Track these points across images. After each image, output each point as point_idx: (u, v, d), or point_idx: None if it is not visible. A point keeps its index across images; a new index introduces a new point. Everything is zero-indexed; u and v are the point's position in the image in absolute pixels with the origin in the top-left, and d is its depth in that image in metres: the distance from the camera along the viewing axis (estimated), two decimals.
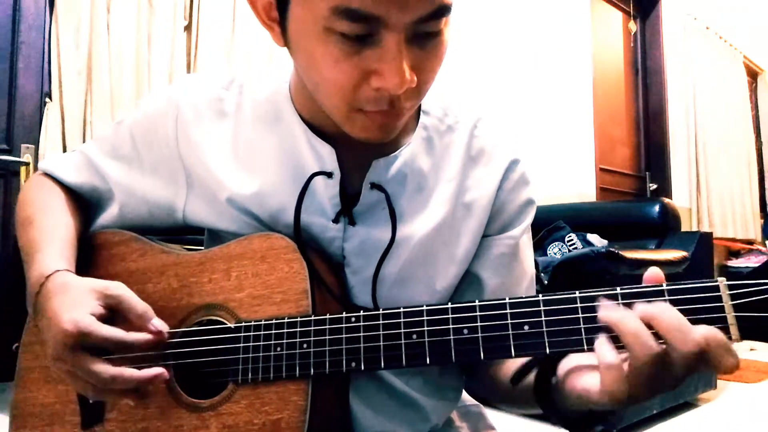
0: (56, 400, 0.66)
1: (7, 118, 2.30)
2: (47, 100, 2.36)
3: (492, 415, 0.80)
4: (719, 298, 0.46)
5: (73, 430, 0.65)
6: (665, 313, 0.45)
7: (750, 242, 5.16)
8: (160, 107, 0.70)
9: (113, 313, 0.59)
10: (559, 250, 2.77)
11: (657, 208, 2.80)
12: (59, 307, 0.56)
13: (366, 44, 0.51)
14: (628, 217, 2.92)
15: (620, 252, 2.08)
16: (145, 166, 0.71)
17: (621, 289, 0.49)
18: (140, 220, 0.73)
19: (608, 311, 0.47)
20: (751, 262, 4.71)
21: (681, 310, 0.46)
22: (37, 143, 2.34)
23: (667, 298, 0.47)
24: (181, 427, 0.60)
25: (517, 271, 0.71)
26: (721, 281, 0.46)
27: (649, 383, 0.46)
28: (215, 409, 0.59)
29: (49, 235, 0.67)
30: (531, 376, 0.57)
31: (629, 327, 0.46)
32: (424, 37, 0.52)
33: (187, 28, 2.75)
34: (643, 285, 0.49)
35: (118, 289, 0.59)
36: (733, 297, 0.46)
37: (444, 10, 0.51)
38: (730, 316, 0.45)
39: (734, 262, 4.84)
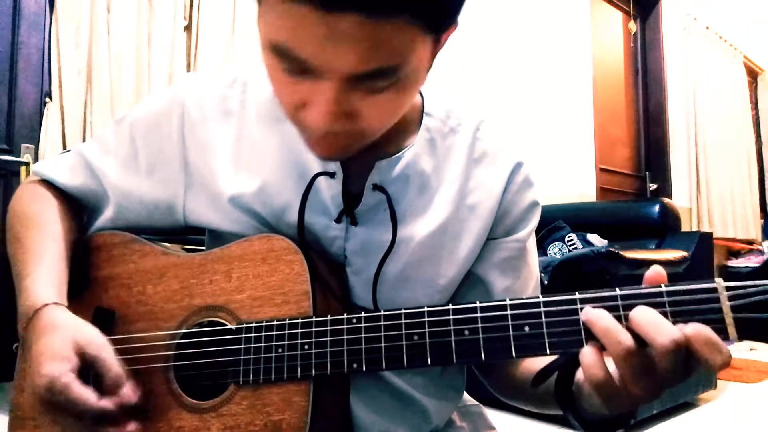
0: None
1: (7, 118, 2.31)
2: (47, 100, 2.36)
3: (492, 415, 0.81)
4: (717, 299, 0.47)
5: None
6: (638, 310, 0.47)
7: (750, 242, 5.16)
8: (164, 106, 0.70)
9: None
10: (559, 250, 2.78)
11: (657, 208, 2.81)
12: (40, 354, 0.56)
13: (304, 73, 0.49)
14: (628, 217, 2.92)
15: (620, 252, 2.08)
16: (142, 166, 0.71)
17: (620, 290, 0.49)
18: (139, 221, 0.72)
19: (586, 311, 0.49)
20: (751, 262, 4.71)
21: (679, 311, 0.47)
22: (37, 143, 2.34)
23: (665, 299, 0.48)
24: (182, 428, 0.60)
25: (524, 274, 0.72)
26: (719, 282, 0.47)
27: (638, 381, 0.47)
28: (216, 410, 0.59)
29: (37, 256, 0.65)
30: (552, 378, 0.57)
31: (601, 324, 0.48)
32: (370, 86, 0.49)
33: (187, 28, 2.75)
34: (642, 286, 0.49)
35: (97, 348, 0.57)
36: (731, 298, 0.46)
37: (386, 73, 0.48)
38: (728, 316, 0.46)
39: (734, 262, 4.84)
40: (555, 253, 2.75)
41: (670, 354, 0.45)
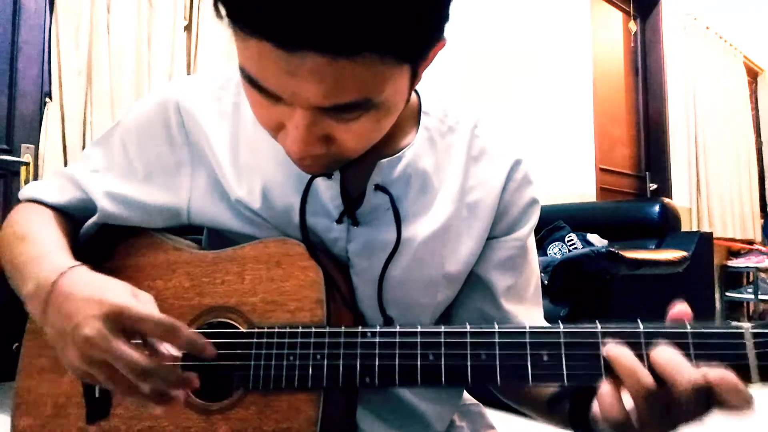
0: (61, 392, 0.65)
1: (7, 118, 2.30)
2: (47, 100, 2.36)
3: (491, 415, 0.80)
4: (743, 345, 0.46)
5: (77, 423, 0.63)
6: (660, 350, 0.46)
7: (750, 242, 5.16)
8: (155, 112, 0.68)
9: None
10: (559, 250, 2.78)
11: (657, 208, 2.81)
12: (94, 291, 0.53)
13: (277, 99, 0.48)
14: (628, 217, 2.93)
15: (620, 252, 2.08)
16: (139, 173, 0.69)
17: (644, 327, 0.48)
18: (137, 225, 0.70)
19: (609, 348, 0.48)
20: (751, 262, 4.72)
21: (703, 354, 0.46)
22: (37, 143, 2.34)
23: (690, 340, 0.47)
24: (188, 428, 0.60)
25: (526, 272, 0.71)
26: (746, 327, 0.46)
27: (655, 421, 0.47)
28: (224, 412, 0.59)
29: (51, 244, 0.63)
30: (566, 402, 0.56)
31: (623, 363, 0.47)
32: (341, 117, 0.48)
33: (187, 28, 2.75)
34: (667, 324, 0.49)
35: (148, 299, 0.55)
36: (757, 345, 0.46)
37: (356, 105, 0.47)
38: (752, 361, 0.46)
39: (734, 262, 4.84)
40: (555, 253, 2.76)
41: (690, 396, 0.45)
